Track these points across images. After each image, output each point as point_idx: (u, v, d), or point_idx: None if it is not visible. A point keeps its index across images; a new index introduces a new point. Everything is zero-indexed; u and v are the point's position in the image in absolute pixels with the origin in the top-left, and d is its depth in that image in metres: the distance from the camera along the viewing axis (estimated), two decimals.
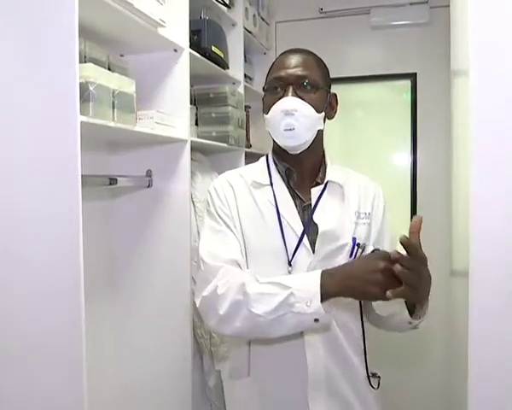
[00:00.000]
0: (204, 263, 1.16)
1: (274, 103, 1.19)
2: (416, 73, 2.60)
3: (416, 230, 0.99)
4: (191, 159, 1.74)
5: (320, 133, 1.24)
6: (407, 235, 0.97)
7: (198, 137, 1.93)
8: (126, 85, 1.39)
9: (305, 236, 1.18)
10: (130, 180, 1.66)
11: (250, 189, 1.24)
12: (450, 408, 1.64)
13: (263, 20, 2.61)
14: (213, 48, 1.90)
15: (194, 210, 1.83)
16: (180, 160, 1.71)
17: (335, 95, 1.27)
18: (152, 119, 1.53)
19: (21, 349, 1.18)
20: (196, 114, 1.98)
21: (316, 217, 1.20)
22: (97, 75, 1.24)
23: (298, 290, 1.03)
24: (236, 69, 2.22)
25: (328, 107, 1.24)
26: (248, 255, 1.20)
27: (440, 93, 2.21)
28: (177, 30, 1.66)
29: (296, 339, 1.16)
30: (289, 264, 1.17)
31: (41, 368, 1.17)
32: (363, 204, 1.25)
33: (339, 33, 2.66)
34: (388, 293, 0.96)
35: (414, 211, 2.60)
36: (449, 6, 1.65)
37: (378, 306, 1.19)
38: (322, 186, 1.23)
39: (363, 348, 1.22)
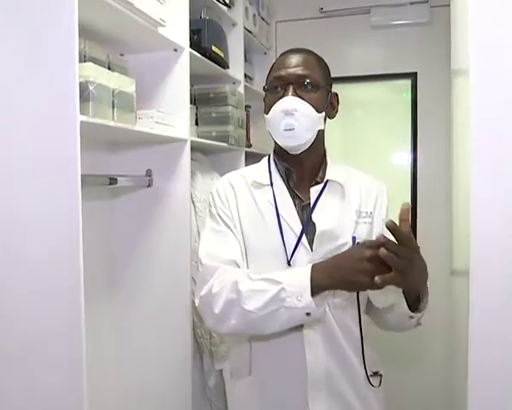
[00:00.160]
0: (202, 264, 1.18)
1: (274, 103, 1.19)
2: (416, 73, 2.60)
3: (405, 217, 0.98)
4: (191, 159, 1.74)
5: (321, 133, 1.23)
6: (390, 220, 0.96)
7: (198, 136, 1.93)
8: (126, 85, 1.39)
9: (304, 235, 1.18)
10: (130, 180, 1.66)
11: (250, 189, 1.24)
12: (451, 408, 1.64)
13: (263, 19, 2.61)
14: (213, 47, 1.90)
15: (195, 210, 1.83)
16: (180, 159, 1.70)
17: (336, 94, 1.27)
18: (152, 118, 1.53)
19: (21, 349, 1.18)
20: (196, 114, 1.98)
21: (314, 216, 1.20)
22: (97, 75, 1.24)
23: (288, 285, 1.03)
24: (236, 69, 2.22)
25: (328, 106, 1.24)
26: (248, 255, 1.20)
27: (441, 92, 2.21)
28: (178, 29, 1.66)
29: (296, 338, 1.16)
30: (288, 263, 1.17)
31: (41, 368, 1.17)
32: (364, 203, 1.24)
33: (339, 33, 2.66)
34: (377, 279, 0.95)
35: (414, 210, 2.60)
36: (449, 5, 1.65)
37: (374, 297, 1.19)
38: (321, 185, 1.23)
39: (361, 348, 1.22)
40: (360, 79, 2.67)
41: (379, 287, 0.97)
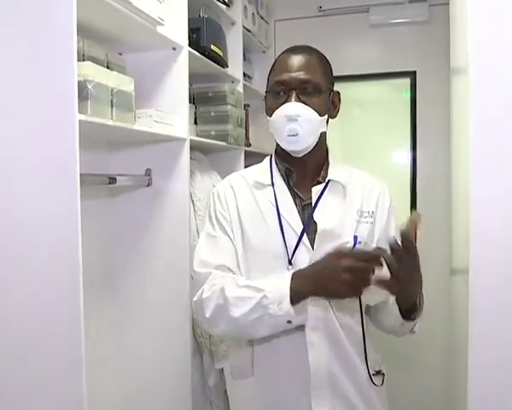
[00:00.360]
0: (195, 272, 1.22)
1: (277, 107, 1.18)
2: (415, 72, 2.60)
3: (415, 226, 0.99)
4: (190, 158, 1.74)
5: (323, 135, 1.24)
6: (406, 227, 0.99)
7: (197, 135, 1.93)
8: (125, 84, 1.38)
9: (305, 234, 1.18)
10: (130, 179, 1.66)
11: (252, 189, 1.25)
12: (451, 408, 1.64)
13: (262, 18, 2.61)
14: (212, 46, 1.90)
15: (194, 209, 1.83)
16: (179, 158, 1.70)
17: (338, 93, 1.26)
18: (151, 117, 1.53)
19: (21, 349, 1.18)
20: (195, 113, 1.98)
21: (316, 215, 1.20)
22: (96, 73, 1.24)
23: (270, 292, 1.05)
24: (235, 68, 2.21)
25: (330, 106, 1.24)
26: (250, 255, 1.21)
27: (440, 91, 2.21)
28: (176, 28, 1.65)
29: (298, 339, 1.16)
30: (290, 263, 1.17)
31: (41, 368, 1.17)
32: (366, 203, 1.24)
33: (338, 31, 2.65)
34: (373, 280, 0.97)
35: (414, 210, 2.60)
36: (448, 4, 1.65)
37: (364, 295, 1.20)
38: (322, 185, 1.23)
39: (363, 347, 1.22)
40: (359, 77, 2.67)
41: (358, 296, 0.99)
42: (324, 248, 1.17)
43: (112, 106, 1.31)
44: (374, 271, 0.98)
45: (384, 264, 0.98)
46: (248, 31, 2.39)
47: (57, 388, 1.17)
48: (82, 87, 1.18)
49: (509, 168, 1.11)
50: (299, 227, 1.19)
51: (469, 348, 1.13)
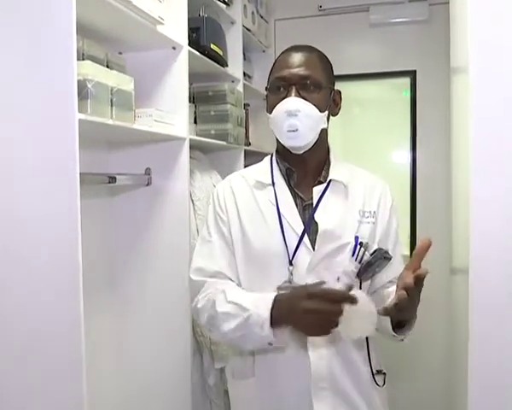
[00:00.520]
0: (190, 280, 1.26)
1: (277, 103, 1.18)
2: (415, 71, 2.60)
3: (424, 253, 1.01)
4: (190, 157, 1.74)
5: (324, 132, 1.23)
6: (414, 254, 1.01)
7: (197, 135, 1.93)
8: (125, 83, 1.38)
9: (306, 235, 1.18)
10: (129, 178, 1.66)
11: (252, 190, 1.25)
12: (451, 408, 1.64)
13: (262, 17, 2.61)
14: (212, 46, 1.90)
15: (194, 208, 1.83)
16: (179, 158, 1.70)
17: (339, 92, 1.27)
18: (151, 116, 1.53)
19: (21, 349, 1.18)
20: (195, 112, 1.97)
21: (317, 216, 1.19)
22: (95, 73, 1.24)
23: (254, 314, 1.07)
24: (235, 67, 2.21)
25: (331, 104, 1.24)
26: (250, 256, 1.21)
27: (440, 90, 2.21)
28: (176, 27, 1.65)
29: (299, 339, 1.16)
30: (290, 263, 1.17)
31: (41, 368, 1.17)
32: (368, 202, 1.24)
33: (338, 31, 2.65)
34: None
35: (414, 209, 2.60)
36: (448, 3, 1.65)
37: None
38: (324, 185, 1.22)
39: (366, 346, 1.22)
40: (359, 77, 2.67)
41: (326, 334, 1.01)
42: (325, 248, 1.17)
43: (112, 105, 1.31)
44: (341, 313, 0.97)
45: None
46: (248, 30, 2.39)
47: (57, 388, 1.16)
48: (82, 86, 1.18)
49: (509, 168, 1.11)
50: (300, 228, 1.18)
51: (469, 347, 1.13)
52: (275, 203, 1.21)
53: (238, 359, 1.28)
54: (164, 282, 1.71)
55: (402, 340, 1.18)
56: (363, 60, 2.67)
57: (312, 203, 1.21)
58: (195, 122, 1.97)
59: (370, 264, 1.18)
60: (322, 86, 1.19)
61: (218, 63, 1.99)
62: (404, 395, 2.38)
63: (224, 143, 2.00)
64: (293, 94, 1.17)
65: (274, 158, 1.29)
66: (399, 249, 1.29)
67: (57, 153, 1.14)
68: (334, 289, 1.02)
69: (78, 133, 1.12)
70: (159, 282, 1.72)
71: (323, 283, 1.06)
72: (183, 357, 1.69)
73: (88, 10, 1.23)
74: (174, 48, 1.67)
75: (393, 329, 1.13)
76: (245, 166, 2.01)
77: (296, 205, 1.22)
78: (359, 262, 1.19)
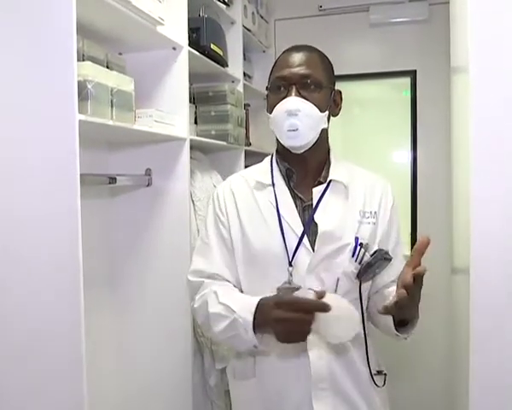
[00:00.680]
0: (188, 281, 1.27)
1: (277, 103, 1.18)
2: (415, 71, 2.60)
3: (424, 250, 1.00)
4: (190, 157, 1.74)
5: (324, 132, 1.23)
6: (413, 251, 1.00)
7: (197, 135, 1.93)
8: (125, 84, 1.38)
9: (306, 236, 1.18)
10: (130, 179, 1.66)
11: (252, 190, 1.25)
12: (451, 408, 1.64)
13: (262, 17, 2.61)
14: (212, 46, 1.90)
15: (194, 209, 1.83)
16: (179, 158, 1.70)
17: (340, 92, 1.26)
18: (151, 117, 1.53)
19: (21, 349, 1.18)
20: (195, 113, 1.97)
21: (317, 217, 1.19)
22: (95, 73, 1.24)
23: (239, 317, 1.08)
24: (235, 67, 2.21)
25: (332, 104, 1.23)
26: (250, 257, 1.21)
27: (440, 90, 2.21)
28: (176, 28, 1.65)
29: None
30: (290, 264, 1.17)
31: (41, 368, 1.17)
32: (368, 203, 1.24)
33: (338, 31, 2.65)
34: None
35: (414, 209, 2.60)
36: (448, 3, 1.65)
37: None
38: (324, 186, 1.22)
39: (365, 347, 1.22)
40: (359, 77, 2.66)
41: (301, 341, 1.02)
42: (325, 249, 1.17)
43: (112, 106, 1.31)
44: (312, 321, 0.97)
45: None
46: (248, 30, 2.39)
47: (57, 388, 1.17)
48: (82, 87, 1.18)
49: (509, 168, 1.11)
50: (300, 229, 1.18)
51: (470, 347, 1.13)
52: (275, 204, 1.21)
53: (239, 359, 1.28)
54: (164, 282, 1.71)
55: (405, 339, 1.18)
56: (363, 60, 2.67)
57: (312, 204, 1.21)
58: (196, 122, 1.97)
59: (370, 265, 1.18)
60: (322, 86, 1.19)
61: (218, 63, 1.99)
62: (405, 395, 2.38)
63: (225, 143, 2.00)
64: (293, 93, 1.16)
65: (274, 158, 1.29)
66: (401, 249, 1.29)
67: (57, 153, 1.14)
68: (303, 298, 1.01)
69: (78, 134, 1.12)
70: (159, 282, 1.72)
71: (295, 289, 1.08)
72: (184, 357, 1.70)
73: (88, 11, 1.23)
74: (174, 48, 1.67)
75: (396, 328, 1.13)
76: (245, 167, 2.01)
77: (296, 206, 1.21)
78: (359, 263, 1.19)
